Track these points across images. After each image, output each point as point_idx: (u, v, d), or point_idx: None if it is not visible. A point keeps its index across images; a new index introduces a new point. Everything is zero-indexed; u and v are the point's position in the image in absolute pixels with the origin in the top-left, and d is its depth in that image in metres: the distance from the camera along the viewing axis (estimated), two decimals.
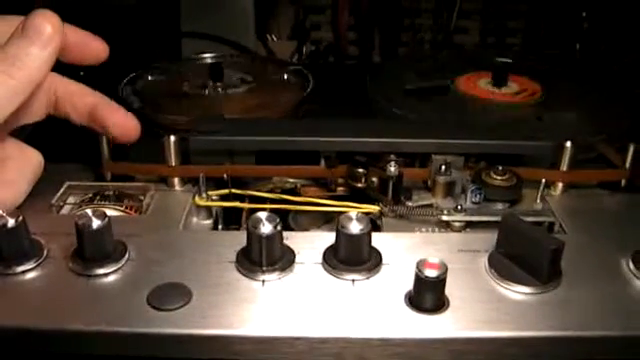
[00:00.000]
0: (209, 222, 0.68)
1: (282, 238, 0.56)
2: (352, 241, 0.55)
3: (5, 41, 0.59)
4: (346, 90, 0.94)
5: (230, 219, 0.70)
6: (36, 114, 0.65)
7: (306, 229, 0.70)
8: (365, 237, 0.55)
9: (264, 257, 0.55)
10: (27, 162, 0.65)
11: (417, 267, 0.51)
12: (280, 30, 1.27)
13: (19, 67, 0.58)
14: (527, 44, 1.23)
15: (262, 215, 0.55)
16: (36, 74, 0.59)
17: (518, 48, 1.23)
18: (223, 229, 0.69)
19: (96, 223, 0.54)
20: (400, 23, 1.24)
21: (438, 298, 0.52)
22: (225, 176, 0.68)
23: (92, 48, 0.65)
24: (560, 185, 0.69)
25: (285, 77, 0.93)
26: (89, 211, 0.55)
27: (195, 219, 0.67)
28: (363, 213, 0.56)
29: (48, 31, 0.59)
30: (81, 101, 0.65)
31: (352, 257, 0.56)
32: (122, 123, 0.66)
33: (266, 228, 0.54)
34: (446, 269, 0.51)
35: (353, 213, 0.55)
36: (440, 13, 1.24)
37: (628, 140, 0.69)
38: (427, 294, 0.52)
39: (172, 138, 0.67)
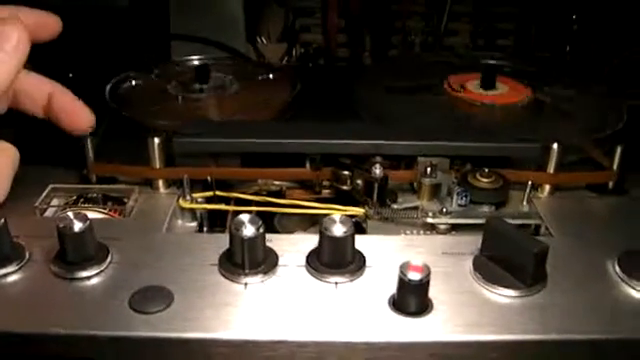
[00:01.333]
0: (194, 225, 0.68)
1: (265, 240, 0.56)
2: (335, 244, 0.55)
3: None
4: (335, 92, 0.93)
5: (215, 222, 0.70)
6: None
7: (292, 232, 0.69)
8: (348, 239, 0.55)
9: (246, 260, 0.55)
10: (5, 157, 0.64)
11: (400, 270, 0.51)
12: (270, 33, 1.26)
13: None
14: (518, 46, 1.23)
15: (244, 217, 0.54)
16: (5, 78, 0.60)
17: (509, 50, 1.23)
18: (208, 232, 0.69)
19: (77, 226, 0.54)
20: (390, 25, 1.24)
21: (421, 301, 0.52)
22: (209, 178, 0.68)
23: (49, 24, 0.66)
24: (547, 187, 0.69)
25: (272, 79, 0.93)
26: (70, 214, 0.55)
27: (180, 221, 0.67)
28: (348, 216, 0.56)
29: (15, 39, 0.60)
30: (38, 91, 0.67)
31: (335, 260, 0.55)
32: (73, 115, 0.67)
33: (248, 230, 0.54)
34: (429, 272, 0.50)
35: (336, 215, 0.55)
36: (430, 15, 1.23)
37: (616, 142, 0.69)
38: (410, 297, 0.52)
39: (156, 140, 0.67)
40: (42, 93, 0.67)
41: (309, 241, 0.59)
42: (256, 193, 0.70)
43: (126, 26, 0.98)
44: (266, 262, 0.56)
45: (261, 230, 0.54)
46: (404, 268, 0.51)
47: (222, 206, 0.67)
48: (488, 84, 0.87)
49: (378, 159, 0.67)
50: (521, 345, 0.51)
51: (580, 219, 0.66)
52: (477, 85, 0.87)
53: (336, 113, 0.83)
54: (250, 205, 0.67)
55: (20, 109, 0.67)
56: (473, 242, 0.59)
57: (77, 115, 0.67)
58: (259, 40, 1.25)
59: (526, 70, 0.96)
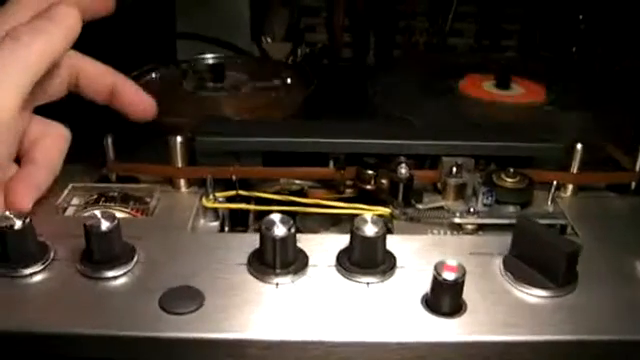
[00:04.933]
0: (216, 224, 0.67)
1: (295, 240, 0.55)
2: (367, 243, 0.54)
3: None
4: (344, 92, 0.93)
5: (236, 221, 0.69)
6: (57, 91, 0.66)
7: (314, 232, 0.68)
8: (380, 239, 0.54)
9: (278, 260, 0.54)
10: (59, 138, 0.66)
11: (435, 269, 0.50)
12: (275, 32, 1.26)
13: (39, 40, 0.59)
14: (523, 46, 1.23)
15: (276, 217, 0.54)
16: (54, 53, 0.60)
17: (514, 51, 1.23)
18: (230, 231, 0.69)
19: (105, 225, 0.54)
20: (395, 25, 1.24)
21: (456, 301, 0.52)
22: (233, 178, 0.67)
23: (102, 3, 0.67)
24: (570, 187, 0.69)
25: (286, 78, 0.92)
26: (98, 212, 0.54)
27: (202, 221, 0.67)
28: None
29: (70, 19, 0.61)
30: (100, 82, 0.67)
31: (367, 260, 0.55)
32: (138, 104, 0.68)
33: (280, 230, 0.53)
34: (464, 272, 0.50)
35: (368, 215, 0.55)
36: (435, 16, 1.23)
37: (637, 142, 0.69)
38: (445, 297, 0.51)
39: (178, 139, 0.67)
40: (104, 83, 0.67)
41: (336, 241, 0.59)
42: (277, 192, 0.69)
43: (131, 24, 0.98)
44: (296, 262, 0.56)
45: (292, 230, 0.54)
46: (439, 268, 0.50)
47: (248, 206, 0.67)
48: (503, 84, 0.86)
49: (403, 159, 0.67)
50: (556, 345, 0.51)
51: (605, 219, 0.65)
52: (492, 85, 0.87)
53: (352, 112, 0.83)
54: (272, 205, 0.66)
55: (80, 95, 0.68)
56: (501, 242, 0.59)
57: (141, 104, 0.68)
58: (264, 39, 1.24)
59: (539, 70, 0.95)
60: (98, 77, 0.67)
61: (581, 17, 1.15)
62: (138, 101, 0.68)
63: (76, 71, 0.66)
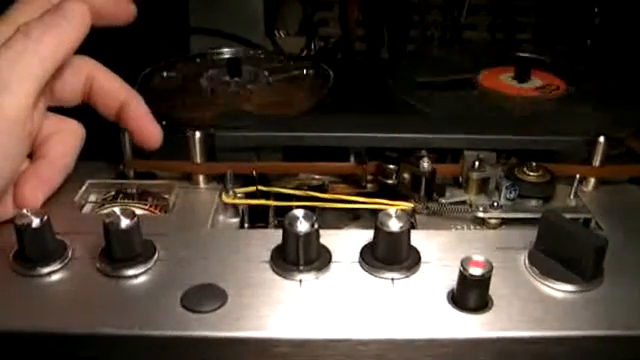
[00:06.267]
0: (236, 220, 0.66)
1: (319, 236, 0.54)
2: (392, 239, 0.53)
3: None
4: (360, 86, 0.91)
5: (256, 217, 0.69)
6: (72, 97, 0.65)
7: (334, 227, 0.68)
8: (405, 234, 0.54)
9: (301, 256, 0.53)
10: (72, 135, 0.65)
11: (462, 265, 0.50)
12: (288, 26, 1.25)
13: (50, 35, 0.58)
14: (537, 40, 1.22)
15: (299, 212, 0.53)
16: (66, 47, 0.59)
17: (528, 44, 1.22)
18: (249, 227, 0.68)
19: (125, 222, 0.53)
20: (409, 19, 1.23)
21: (482, 297, 0.51)
22: (254, 173, 0.66)
23: (123, 9, 0.65)
24: (592, 181, 0.68)
25: (303, 73, 0.91)
26: (117, 210, 0.54)
27: (222, 217, 0.66)
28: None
29: (78, 16, 0.59)
30: (112, 96, 0.65)
31: (391, 255, 0.54)
32: (143, 130, 0.65)
33: (303, 226, 0.52)
34: (491, 267, 0.50)
35: (392, 210, 0.54)
36: (449, 9, 1.22)
37: None
38: (472, 293, 0.51)
39: (197, 134, 0.66)
40: (116, 99, 0.65)
41: (358, 236, 0.58)
42: (297, 188, 0.69)
43: (145, 18, 0.97)
44: (320, 258, 0.55)
45: (316, 226, 0.53)
46: (465, 263, 0.50)
47: (269, 201, 0.66)
48: (523, 77, 0.85)
49: (424, 153, 0.66)
50: (584, 340, 0.50)
51: (628, 212, 0.65)
52: (511, 78, 0.86)
53: (370, 106, 0.82)
54: (291, 200, 0.66)
55: (93, 108, 0.66)
56: (525, 236, 0.58)
57: (146, 131, 0.65)
58: (277, 34, 1.23)
59: (556, 62, 0.94)
60: (111, 91, 0.65)
61: (596, 10, 1.14)
62: (143, 127, 0.65)
63: (91, 81, 0.65)
